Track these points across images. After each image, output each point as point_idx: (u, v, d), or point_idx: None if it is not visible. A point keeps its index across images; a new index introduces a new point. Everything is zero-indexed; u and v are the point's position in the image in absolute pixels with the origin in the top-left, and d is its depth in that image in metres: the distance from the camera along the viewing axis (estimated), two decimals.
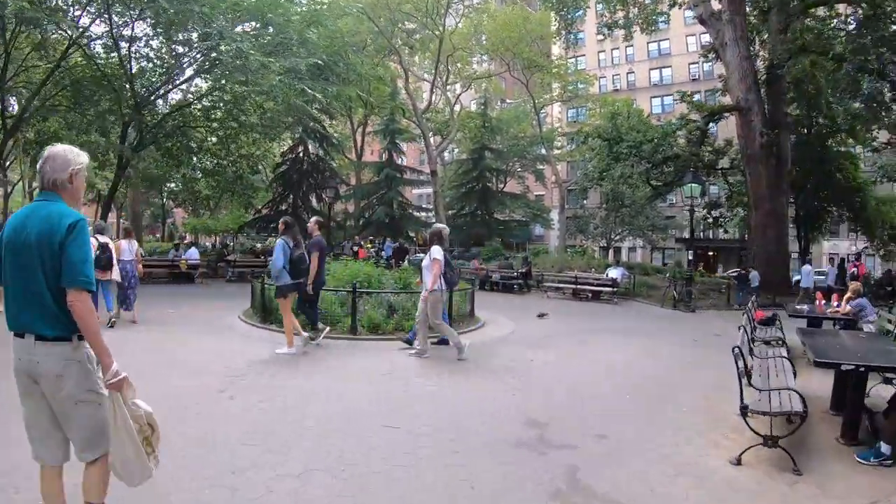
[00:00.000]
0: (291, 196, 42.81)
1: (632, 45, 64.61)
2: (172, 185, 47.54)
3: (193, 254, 27.28)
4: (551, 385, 8.97)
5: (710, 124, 29.22)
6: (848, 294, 12.22)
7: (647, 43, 63.74)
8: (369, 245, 37.82)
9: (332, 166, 47.81)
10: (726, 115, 30.70)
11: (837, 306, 13.72)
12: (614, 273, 23.85)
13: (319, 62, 24.74)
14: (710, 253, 58.78)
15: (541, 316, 17.21)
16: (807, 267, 26.93)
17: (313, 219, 11.66)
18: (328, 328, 11.84)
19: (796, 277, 28.20)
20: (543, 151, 54.03)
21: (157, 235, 66.10)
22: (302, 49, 24.64)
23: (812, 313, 12.67)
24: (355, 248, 33.97)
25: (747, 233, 30.26)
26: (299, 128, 40.77)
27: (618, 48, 66.15)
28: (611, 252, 50.33)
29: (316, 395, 7.74)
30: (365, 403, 7.45)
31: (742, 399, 6.04)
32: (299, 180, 42.95)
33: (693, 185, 21.50)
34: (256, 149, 38.79)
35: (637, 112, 34.30)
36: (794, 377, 7.32)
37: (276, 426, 6.39)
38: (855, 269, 27.40)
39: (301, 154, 43.33)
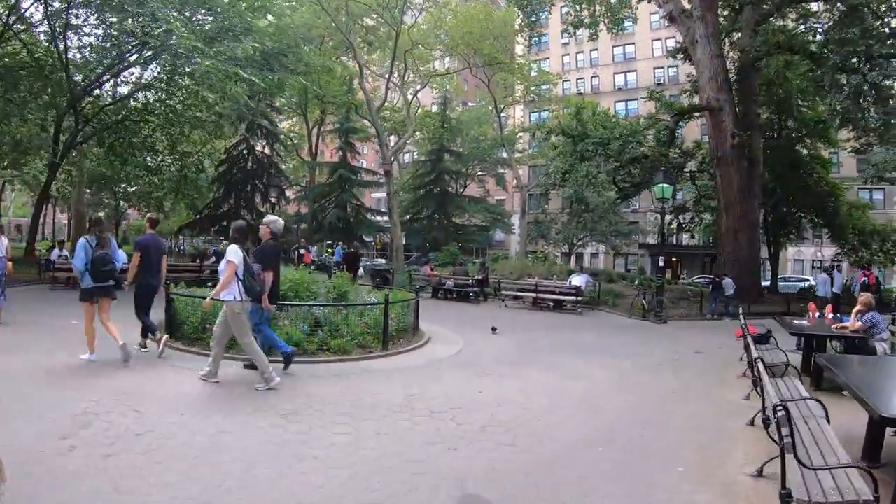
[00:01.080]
0: (234, 196, 40.07)
1: (596, 49, 64.22)
2: (125, 185, 44.76)
3: (121, 257, 24.50)
4: (502, 433, 6.78)
5: (680, 124, 27.48)
6: (857, 307, 10.31)
7: (613, 47, 63.27)
8: (329, 251, 35.73)
9: (279, 165, 45.36)
10: (696, 114, 29.81)
11: (833, 318, 12.05)
12: (578, 280, 21.90)
13: (261, 47, 22.60)
14: (674, 259, 57.57)
15: (493, 331, 15.05)
16: (823, 276, 25.46)
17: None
18: (165, 337, 10.16)
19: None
20: (505, 155, 52.27)
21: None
22: (247, 37, 22.78)
23: (816, 330, 10.73)
24: (301, 252, 31.77)
25: (717, 238, 28.65)
26: (243, 123, 38.45)
27: (582, 52, 65.56)
28: (573, 258, 48.61)
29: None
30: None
31: (784, 483, 3.95)
32: (243, 179, 40.34)
33: (664, 185, 19.61)
34: (202, 146, 36.47)
35: (603, 111, 32.42)
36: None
37: None
38: (865, 278, 25.13)
39: (245, 151, 40.65)
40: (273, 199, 32.47)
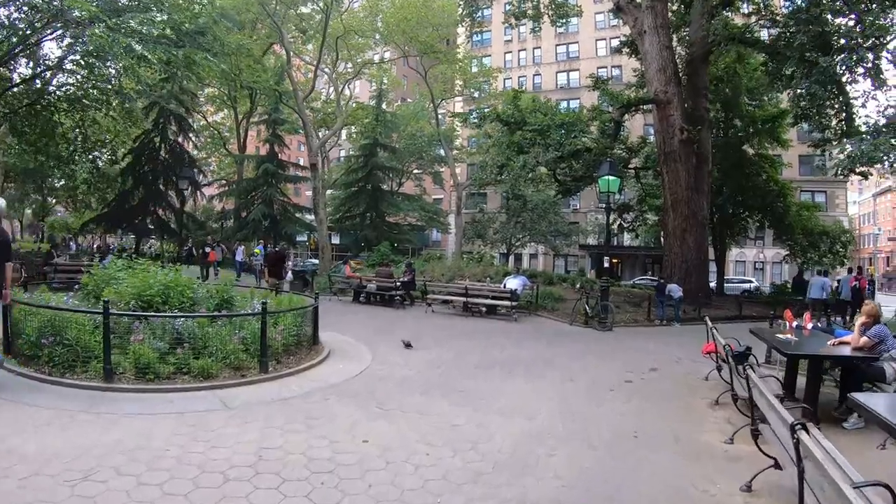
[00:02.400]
0: (143, 189, 36.61)
1: (539, 48, 63.27)
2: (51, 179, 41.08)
3: None
4: None
5: (625, 116, 25.54)
6: (861, 318, 8.20)
7: (556, 45, 63.50)
8: (259, 251, 32.86)
9: (193, 156, 42.08)
10: (643, 108, 28.25)
11: (815, 328, 10.10)
12: (513, 283, 19.57)
13: (169, 21, 19.95)
14: (615, 260, 56.47)
15: (407, 345, 12.60)
16: (818, 278, 23.59)
17: None
18: None
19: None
20: (442, 152, 50.04)
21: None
22: (159, 11, 20.89)
23: (815, 349, 8.56)
24: (206, 250, 28.83)
25: (663, 238, 26.87)
26: (154, 109, 35.27)
27: (525, 49, 64.81)
28: (511, 259, 46.70)
29: None
30: None
31: None
32: (153, 171, 36.88)
33: (610, 178, 17.47)
34: (115, 135, 33.19)
35: (545, 102, 30.34)
36: None
37: None
38: (856, 282, 23.21)
39: (157, 141, 37.17)
40: (184, 190, 29.18)
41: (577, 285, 22.44)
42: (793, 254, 32.08)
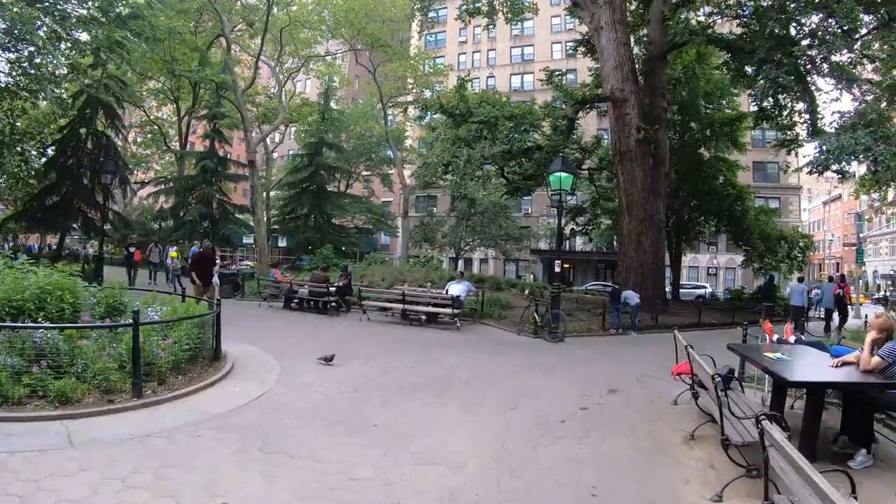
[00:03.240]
0: (66, 184, 33.89)
1: (494, 49, 62.32)
2: None
3: None
4: None
5: (580, 114, 24.10)
6: (871, 334, 6.55)
7: (511, 48, 63.11)
8: (176, 254, 30.53)
9: (118, 147, 39.40)
10: (598, 107, 27.05)
11: (798, 341, 8.69)
12: (456, 289, 17.76)
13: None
14: (566, 265, 55.32)
15: (327, 361, 10.72)
16: (798, 285, 22.82)
17: None
18: None
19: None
20: (391, 154, 48.18)
21: None
22: None
23: (817, 377, 6.87)
24: (130, 250, 26.58)
25: (617, 242, 25.58)
26: (80, 98, 32.72)
27: (479, 51, 64.33)
28: (460, 263, 45.15)
29: None
30: None
31: None
32: (78, 164, 34.18)
33: (562, 174, 15.85)
34: (46, 125, 30.72)
35: (494, 94, 28.74)
36: None
37: None
38: (840, 290, 22.70)
39: (84, 132, 34.46)
40: (108, 184, 26.65)
41: (526, 291, 20.75)
42: (749, 259, 31.10)
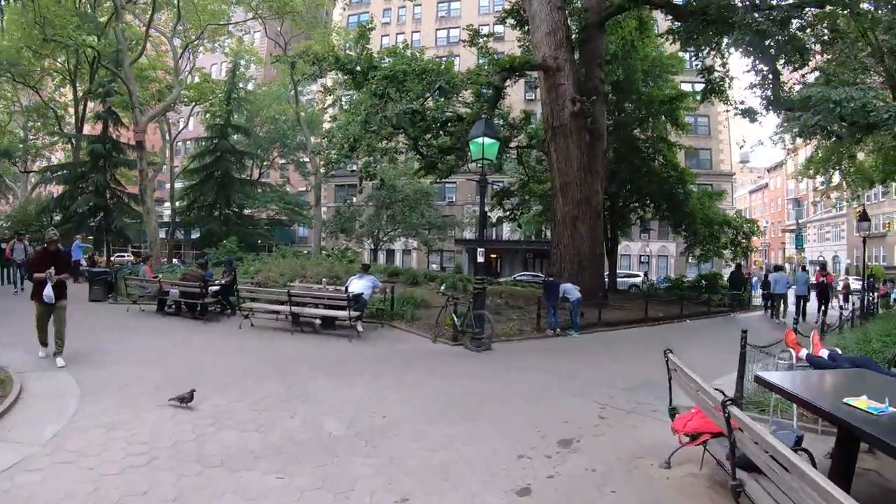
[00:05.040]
0: None
1: (419, 32, 60.20)
2: None
3: None
4: None
5: (507, 83, 20.95)
6: None
7: (436, 30, 60.82)
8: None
9: None
10: (528, 76, 24.45)
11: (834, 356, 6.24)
12: (359, 285, 14.26)
13: None
14: (493, 255, 52.73)
15: (183, 401, 7.14)
16: (780, 275, 22.71)
17: None
18: None
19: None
20: (305, 138, 44.27)
21: None
22: None
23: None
24: (2, 246, 22.34)
25: (550, 227, 22.74)
26: None
27: (403, 33, 62.78)
28: (381, 255, 41.85)
29: None
30: None
31: None
32: None
33: (486, 140, 12.56)
34: None
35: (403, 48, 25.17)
36: None
37: None
38: (823, 278, 22.45)
39: None
40: None
41: (442, 287, 17.05)
42: (691, 245, 28.82)
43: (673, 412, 5.47)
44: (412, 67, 17.04)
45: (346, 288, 14.38)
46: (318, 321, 14.10)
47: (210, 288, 16.20)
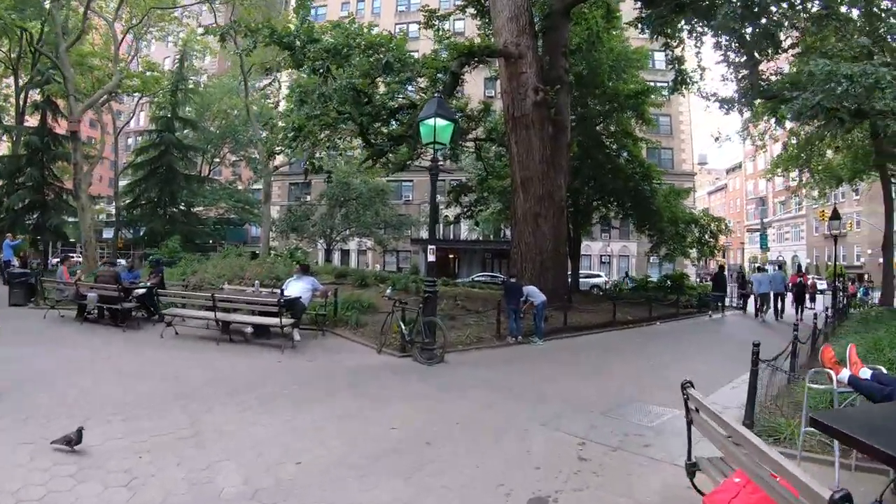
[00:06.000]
0: None
1: (377, 26, 56.89)
2: None
3: None
4: None
5: (465, 69, 19.45)
6: None
7: (396, 24, 57.73)
8: None
9: None
10: (488, 66, 22.77)
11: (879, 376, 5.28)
12: (297, 288, 12.50)
13: None
14: (451, 255, 51.31)
15: (70, 444, 5.34)
16: (760, 275, 22.69)
17: None
18: None
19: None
20: (263, 134, 42.16)
21: None
22: None
23: None
24: None
25: (511, 225, 21.30)
26: None
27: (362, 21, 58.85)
28: (330, 255, 40.05)
29: None
30: None
31: None
32: None
33: (438, 122, 10.96)
34: None
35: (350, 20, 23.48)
36: None
37: None
38: (800, 279, 22.53)
39: None
40: None
41: (388, 290, 15.16)
42: (656, 245, 27.91)
43: (692, 469, 3.93)
44: (357, 42, 15.22)
45: (282, 291, 12.66)
46: (248, 329, 12.37)
47: (136, 291, 14.43)
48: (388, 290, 13.39)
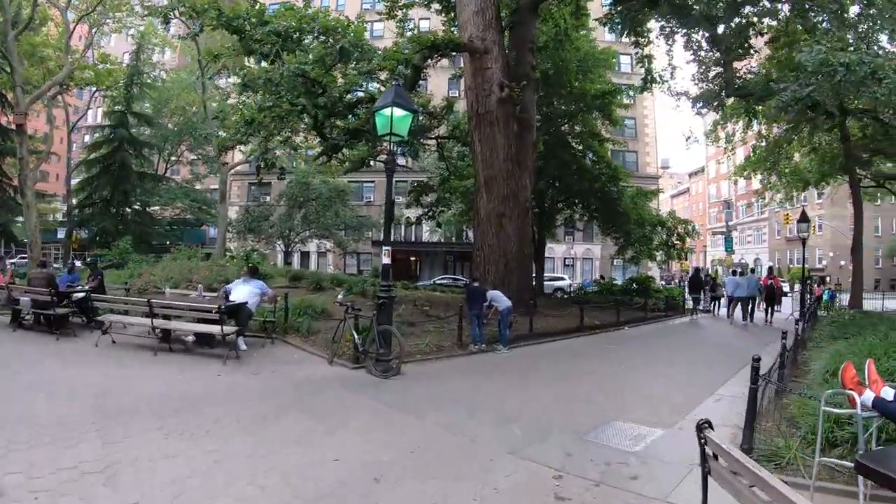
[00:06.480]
0: None
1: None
2: None
3: None
4: None
5: (428, 62, 18.62)
6: None
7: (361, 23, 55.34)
8: None
9: None
10: (451, 55, 21.60)
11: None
12: (242, 292, 11.53)
13: None
14: (412, 258, 50.56)
15: None
16: (739, 278, 22.27)
17: None
18: None
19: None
20: (221, 133, 40.77)
21: None
22: None
23: None
24: None
25: (473, 226, 20.53)
26: None
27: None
28: (289, 257, 38.81)
29: None
30: None
31: None
32: None
33: (396, 112, 10.03)
34: None
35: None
36: None
37: None
38: (770, 281, 22.89)
39: None
40: None
41: (340, 296, 13.97)
42: (623, 247, 27.55)
43: None
44: (311, 27, 14.11)
45: (227, 295, 11.64)
46: (189, 338, 11.33)
47: (75, 295, 13.31)
48: (340, 296, 12.34)
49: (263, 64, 14.96)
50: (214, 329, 10.55)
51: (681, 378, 10.22)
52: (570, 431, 6.67)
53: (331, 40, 14.37)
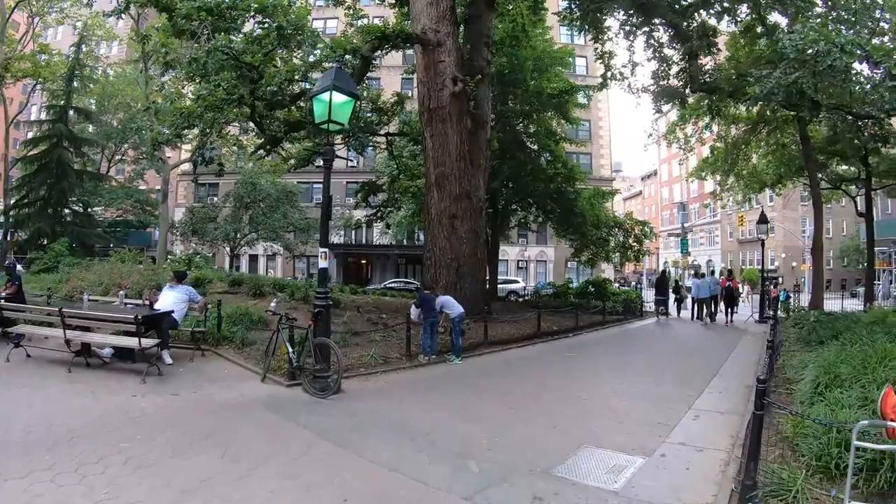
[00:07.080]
0: None
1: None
2: None
3: None
4: None
5: (378, 54, 17.63)
6: None
7: (313, 18, 53.74)
8: None
9: None
10: (402, 46, 20.42)
11: None
12: (169, 299, 10.38)
13: None
14: (363, 261, 49.56)
15: None
16: (701, 281, 23.02)
17: None
18: None
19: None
20: (165, 130, 39.03)
21: None
22: None
23: None
24: None
25: (424, 227, 19.66)
26: None
27: None
28: (235, 260, 37.35)
29: None
30: None
31: None
32: None
33: (337, 96, 8.94)
34: None
35: None
36: None
37: None
38: (729, 283, 23.36)
39: None
40: None
41: (273, 303, 12.59)
42: (579, 249, 27.06)
43: None
44: (245, 3, 12.86)
45: (151, 303, 10.43)
46: (104, 352, 10.08)
47: None
48: (273, 303, 11.08)
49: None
50: (133, 342, 9.33)
51: (653, 390, 9.42)
52: (539, 467, 5.69)
53: (268, 20, 13.20)
